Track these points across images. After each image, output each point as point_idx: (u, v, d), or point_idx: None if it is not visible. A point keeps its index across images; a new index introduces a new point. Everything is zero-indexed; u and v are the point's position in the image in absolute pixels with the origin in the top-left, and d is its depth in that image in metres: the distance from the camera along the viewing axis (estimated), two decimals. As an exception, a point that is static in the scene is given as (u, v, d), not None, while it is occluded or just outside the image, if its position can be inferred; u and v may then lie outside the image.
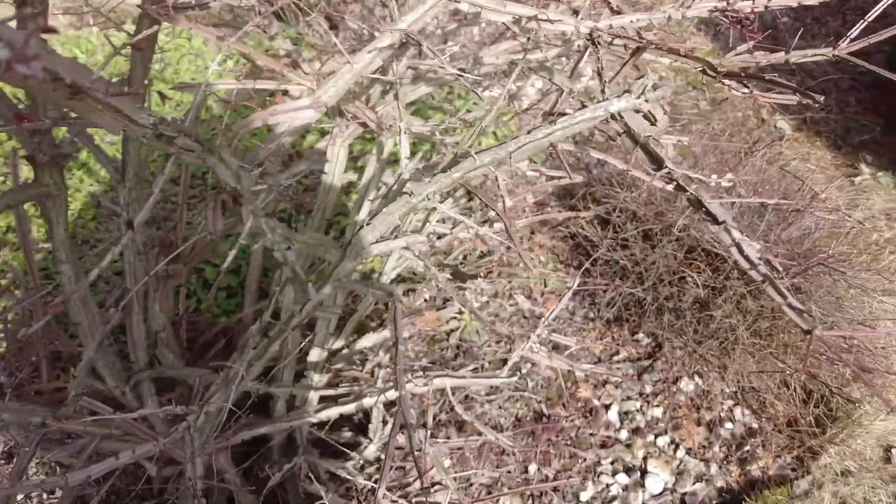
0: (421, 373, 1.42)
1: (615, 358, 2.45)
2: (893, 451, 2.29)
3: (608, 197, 2.54)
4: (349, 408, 1.49)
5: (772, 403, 2.25)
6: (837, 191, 2.84)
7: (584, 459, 2.19)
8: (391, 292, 1.06)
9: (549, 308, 2.60)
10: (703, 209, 0.61)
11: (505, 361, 2.41)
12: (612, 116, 0.74)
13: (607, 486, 2.14)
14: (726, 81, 0.96)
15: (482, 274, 2.54)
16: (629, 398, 2.35)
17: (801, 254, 2.13)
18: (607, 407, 2.32)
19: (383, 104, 1.51)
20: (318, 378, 1.63)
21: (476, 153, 0.81)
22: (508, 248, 2.58)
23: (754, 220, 2.21)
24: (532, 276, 2.62)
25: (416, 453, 0.94)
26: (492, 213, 2.53)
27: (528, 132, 0.78)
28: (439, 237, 1.83)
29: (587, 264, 2.45)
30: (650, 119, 0.74)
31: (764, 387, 2.19)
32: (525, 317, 2.53)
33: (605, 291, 2.46)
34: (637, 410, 2.33)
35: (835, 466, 2.21)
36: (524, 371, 2.33)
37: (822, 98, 0.81)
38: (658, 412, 2.33)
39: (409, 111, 2.67)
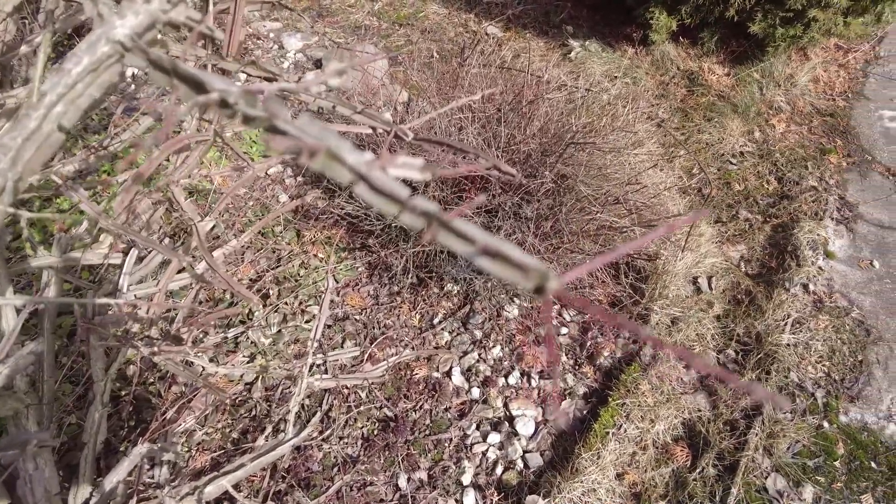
0: (188, 486, 1.04)
1: (436, 320, 2.25)
2: (699, 280, 2.40)
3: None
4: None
5: (590, 293, 2.22)
6: (558, 68, 2.88)
7: (451, 440, 1.97)
8: (26, 441, 0.67)
9: (350, 303, 2.31)
10: (283, 133, 0.32)
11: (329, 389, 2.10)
12: (126, 48, 0.42)
13: (483, 454, 1.95)
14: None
15: (255, 306, 2.15)
16: (465, 353, 2.17)
17: (552, 140, 2.06)
18: (449, 373, 2.11)
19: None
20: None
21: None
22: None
23: (498, 128, 2.10)
24: (316, 278, 2.30)
25: None
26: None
27: (9, 127, 0.44)
28: (140, 300, 1.41)
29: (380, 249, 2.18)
30: (188, 24, 0.44)
31: (576, 282, 2.13)
32: (328, 325, 2.22)
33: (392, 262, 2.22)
34: (478, 360, 2.16)
35: (664, 320, 2.25)
36: (350, 386, 2.02)
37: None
38: (497, 352, 2.18)
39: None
